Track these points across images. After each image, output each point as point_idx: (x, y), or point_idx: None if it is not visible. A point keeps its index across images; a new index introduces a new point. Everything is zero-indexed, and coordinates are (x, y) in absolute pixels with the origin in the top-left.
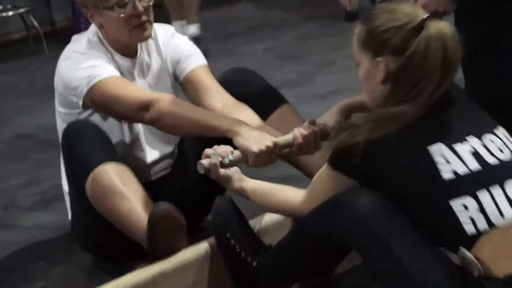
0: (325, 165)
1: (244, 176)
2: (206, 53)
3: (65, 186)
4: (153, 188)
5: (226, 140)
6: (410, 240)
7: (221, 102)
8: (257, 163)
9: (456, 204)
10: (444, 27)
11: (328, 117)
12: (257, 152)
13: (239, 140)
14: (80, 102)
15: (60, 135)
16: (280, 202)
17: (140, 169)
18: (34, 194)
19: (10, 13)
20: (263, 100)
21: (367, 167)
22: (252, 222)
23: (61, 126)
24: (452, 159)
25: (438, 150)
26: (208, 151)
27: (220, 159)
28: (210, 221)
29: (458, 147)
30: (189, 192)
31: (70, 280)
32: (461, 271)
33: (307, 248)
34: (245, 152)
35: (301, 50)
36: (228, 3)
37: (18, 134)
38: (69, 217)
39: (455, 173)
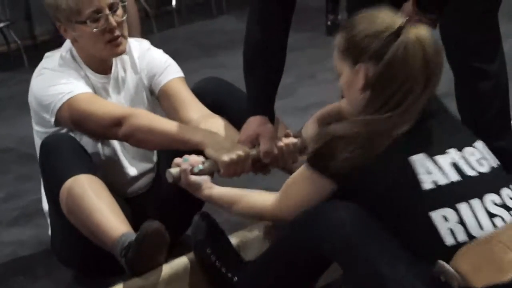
0: (302, 167)
1: (214, 184)
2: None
3: (45, 205)
4: (134, 203)
5: (200, 153)
6: (389, 251)
7: (197, 114)
8: (228, 172)
9: (436, 215)
10: (422, 32)
11: (306, 129)
12: (227, 161)
13: (210, 151)
14: (53, 119)
15: (38, 152)
16: (249, 205)
17: (120, 186)
18: (14, 209)
19: None
20: (238, 109)
21: (346, 171)
22: (231, 237)
23: (38, 143)
24: (433, 170)
25: (420, 161)
26: (178, 159)
27: (190, 167)
28: (189, 235)
29: (439, 158)
30: (169, 207)
31: None
32: (439, 282)
33: (287, 261)
34: (216, 162)
35: None
36: (209, 16)
37: None
38: (49, 232)
39: (435, 184)
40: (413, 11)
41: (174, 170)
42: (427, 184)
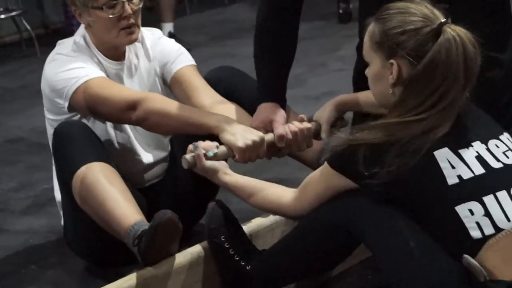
0: (323, 167)
1: (232, 172)
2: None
3: (57, 194)
4: (148, 193)
5: (214, 138)
6: (417, 229)
7: (209, 100)
8: (243, 158)
9: (462, 209)
10: (463, 32)
11: (321, 113)
12: (243, 147)
13: (225, 136)
14: (66, 104)
15: (50, 141)
16: (267, 199)
17: (135, 174)
18: (26, 198)
19: (2, 16)
20: (250, 97)
21: (371, 172)
22: (243, 226)
23: (50, 132)
24: (457, 164)
25: (444, 155)
26: (191, 146)
27: (204, 151)
28: (203, 224)
29: (464, 152)
30: (183, 197)
31: (62, 285)
32: (467, 271)
33: (311, 248)
34: (231, 148)
35: None
36: (221, 5)
37: (10, 137)
38: (62, 222)
39: (460, 178)
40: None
41: (188, 156)
42: (451, 178)
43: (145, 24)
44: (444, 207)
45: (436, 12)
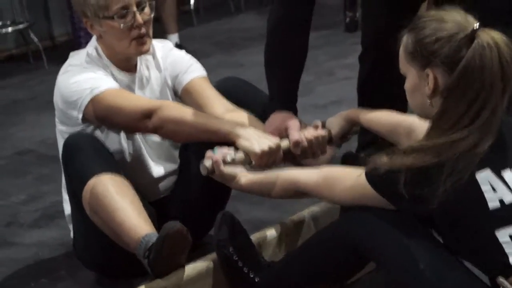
0: (363, 175)
1: (248, 173)
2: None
3: (67, 207)
4: (158, 206)
5: (230, 145)
6: (432, 248)
7: (222, 109)
8: (260, 163)
9: (502, 234)
10: (497, 37)
11: (333, 122)
12: (259, 153)
13: (242, 142)
14: (80, 116)
15: (60, 153)
16: (290, 180)
17: (147, 186)
18: (36, 211)
19: (10, 29)
20: (258, 108)
21: (411, 194)
22: (252, 236)
23: (61, 144)
24: (499, 187)
25: (486, 177)
26: (210, 152)
27: (222, 157)
28: (212, 236)
29: (506, 174)
30: (192, 209)
31: None
32: None
33: (320, 263)
34: (247, 154)
35: None
36: (228, 15)
37: (19, 149)
38: (71, 234)
39: (501, 202)
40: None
41: (207, 162)
42: (493, 202)
43: (153, 36)
44: (484, 231)
45: (470, 18)
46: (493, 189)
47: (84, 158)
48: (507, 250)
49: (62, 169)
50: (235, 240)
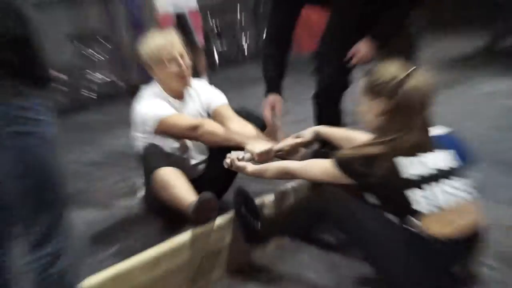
0: (331, 161)
1: (252, 165)
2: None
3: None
4: (195, 182)
5: (241, 149)
6: (372, 216)
7: (237, 124)
8: (260, 159)
9: (412, 193)
10: (422, 77)
11: (305, 134)
12: (259, 153)
13: (248, 147)
14: (153, 131)
15: (138, 152)
16: (278, 169)
17: (189, 170)
18: (124, 187)
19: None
20: (257, 121)
21: (362, 172)
22: (256, 200)
23: (138, 144)
24: (410, 166)
25: (405, 160)
26: (228, 154)
27: (236, 157)
28: (230, 201)
29: (416, 158)
30: (214, 183)
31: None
32: (410, 231)
33: (299, 219)
34: (252, 154)
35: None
36: (236, 64)
37: (113, 150)
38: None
39: (412, 174)
40: (369, 50)
41: (228, 160)
42: (406, 174)
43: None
44: (398, 192)
45: (404, 67)
46: (407, 166)
47: (152, 158)
48: (411, 202)
49: (142, 164)
50: (245, 203)
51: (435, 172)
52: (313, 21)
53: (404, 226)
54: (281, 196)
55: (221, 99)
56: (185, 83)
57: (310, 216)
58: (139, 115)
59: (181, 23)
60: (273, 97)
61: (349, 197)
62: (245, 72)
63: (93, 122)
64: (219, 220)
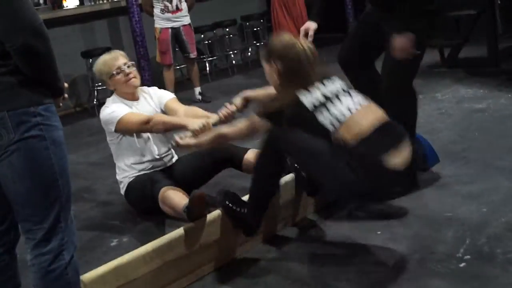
0: (251, 117)
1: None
2: (209, 101)
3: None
4: (168, 170)
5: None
6: (306, 137)
7: (182, 109)
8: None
9: (318, 114)
10: (307, 44)
11: (237, 100)
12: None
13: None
14: (113, 129)
15: (114, 155)
16: (215, 134)
17: (157, 160)
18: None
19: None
20: None
21: (276, 115)
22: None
23: (113, 149)
24: (309, 96)
25: (303, 95)
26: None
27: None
28: (215, 199)
29: (313, 91)
30: (188, 172)
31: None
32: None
33: (266, 162)
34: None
35: None
36: (227, 76)
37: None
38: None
39: (313, 104)
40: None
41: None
42: (309, 104)
43: (184, 88)
44: (311, 119)
45: (295, 38)
46: (307, 97)
47: (156, 183)
48: (324, 124)
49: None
50: (229, 198)
51: (330, 95)
52: None
53: (332, 142)
54: None
55: (169, 95)
56: (134, 85)
57: (272, 154)
58: (103, 120)
59: (176, 36)
60: (308, 24)
61: (289, 129)
62: (234, 83)
63: (95, 127)
64: (210, 216)
